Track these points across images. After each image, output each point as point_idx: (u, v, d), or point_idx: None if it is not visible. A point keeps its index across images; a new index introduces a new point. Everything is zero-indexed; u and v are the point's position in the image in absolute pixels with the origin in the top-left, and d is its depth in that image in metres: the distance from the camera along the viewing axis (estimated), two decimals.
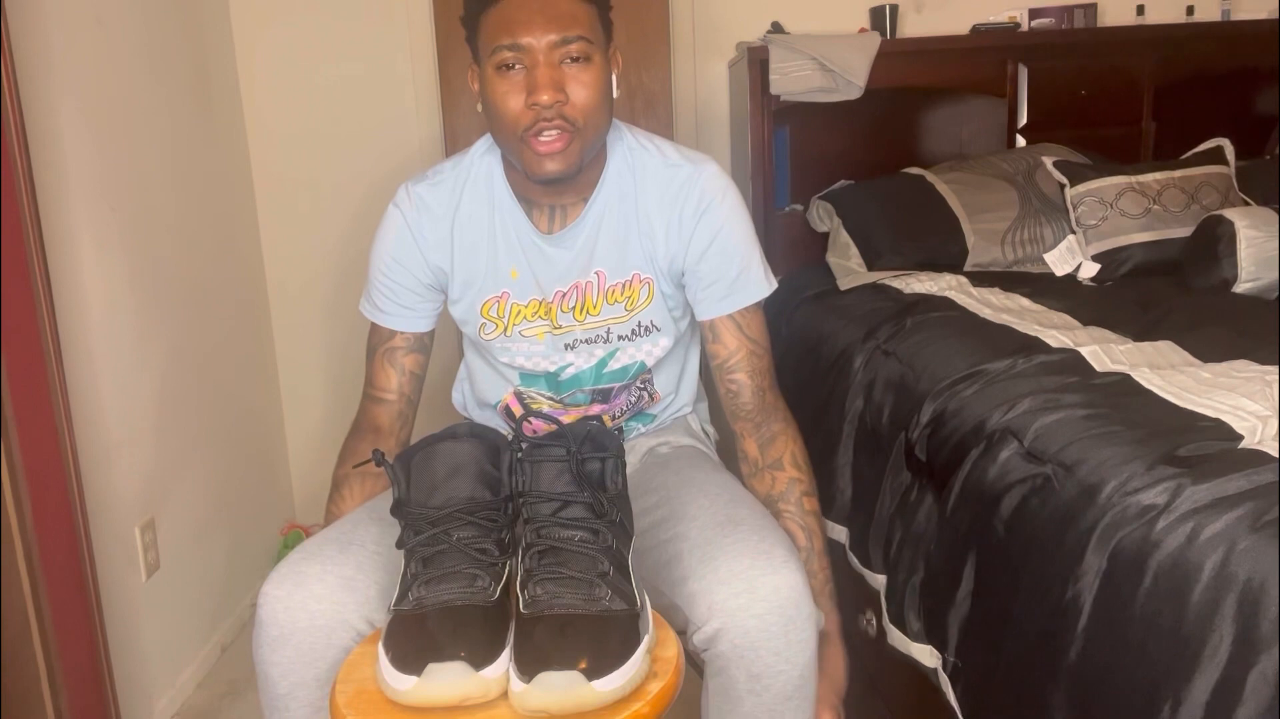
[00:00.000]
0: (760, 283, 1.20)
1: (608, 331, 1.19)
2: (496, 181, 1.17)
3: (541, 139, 1.04)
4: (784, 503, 1.16)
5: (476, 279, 1.18)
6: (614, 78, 1.11)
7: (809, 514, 1.16)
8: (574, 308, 1.18)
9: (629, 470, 1.22)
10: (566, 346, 1.20)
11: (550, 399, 1.25)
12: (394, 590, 0.96)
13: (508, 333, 1.20)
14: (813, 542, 1.15)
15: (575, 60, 1.04)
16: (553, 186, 1.12)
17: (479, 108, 1.12)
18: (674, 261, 1.17)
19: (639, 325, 1.20)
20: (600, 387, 1.23)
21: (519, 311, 1.19)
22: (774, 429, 1.20)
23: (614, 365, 1.22)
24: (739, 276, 1.17)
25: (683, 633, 1.00)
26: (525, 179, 1.12)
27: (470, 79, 1.14)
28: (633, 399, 1.26)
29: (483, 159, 1.19)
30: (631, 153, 1.17)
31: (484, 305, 1.19)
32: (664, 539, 1.06)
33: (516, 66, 1.04)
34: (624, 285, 1.18)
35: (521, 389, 1.25)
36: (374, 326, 1.23)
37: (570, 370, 1.21)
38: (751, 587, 0.93)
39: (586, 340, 1.20)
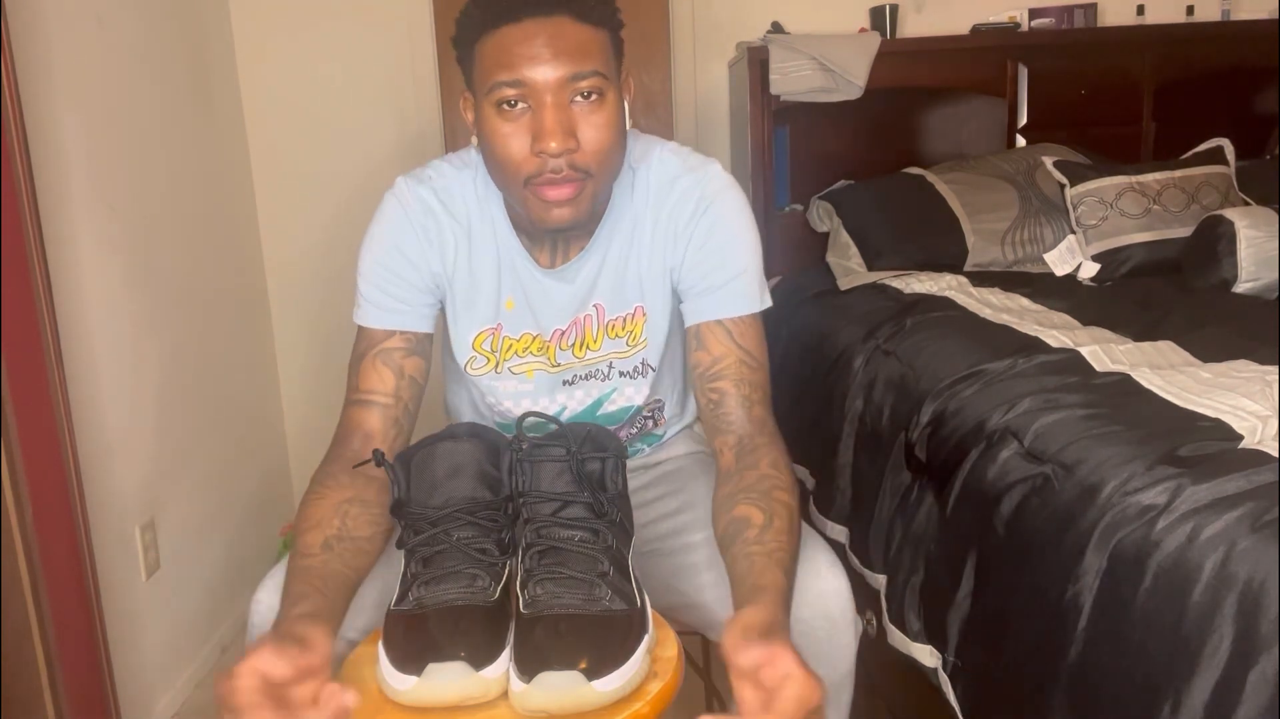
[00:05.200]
0: (755, 295, 1.07)
1: (609, 366, 1.11)
2: (495, 207, 1.08)
3: (550, 187, 0.94)
4: (747, 492, 0.95)
5: (476, 304, 1.09)
6: (627, 105, 0.99)
7: (776, 502, 0.93)
8: (574, 344, 1.10)
9: (643, 480, 1.20)
10: (565, 383, 1.12)
11: None
12: (384, 592, 0.95)
13: (498, 370, 1.11)
14: (772, 520, 0.91)
15: (587, 98, 0.93)
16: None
17: (474, 142, 1.01)
18: (673, 271, 1.08)
19: (642, 363, 1.11)
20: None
21: (510, 346, 1.10)
22: (757, 442, 1.01)
23: (609, 408, 1.14)
24: (735, 279, 1.05)
25: (687, 631, 1.00)
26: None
27: (463, 108, 1.02)
28: (635, 430, 1.19)
29: (484, 177, 1.07)
30: (636, 175, 1.08)
31: (477, 338, 1.10)
32: (691, 543, 1.05)
33: (519, 105, 0.93)
34: (625, 319, 1.10)
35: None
36: (361, 332, 1.07)
37: (565, 415, 1.13)
38: (798, 589, 0.90)
39: (586, 376, 1.11)
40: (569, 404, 1.13)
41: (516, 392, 1.13)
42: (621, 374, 1.12)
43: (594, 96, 0.94)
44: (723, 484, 0.99)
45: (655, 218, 1.07)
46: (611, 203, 1.07)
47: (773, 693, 0.70)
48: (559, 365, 1.11)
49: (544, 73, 0.91)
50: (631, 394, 1.13)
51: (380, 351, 1.05)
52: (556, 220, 0.97)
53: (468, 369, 1.12)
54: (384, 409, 1.03)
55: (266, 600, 0.95)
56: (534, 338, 1.10)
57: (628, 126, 1.01)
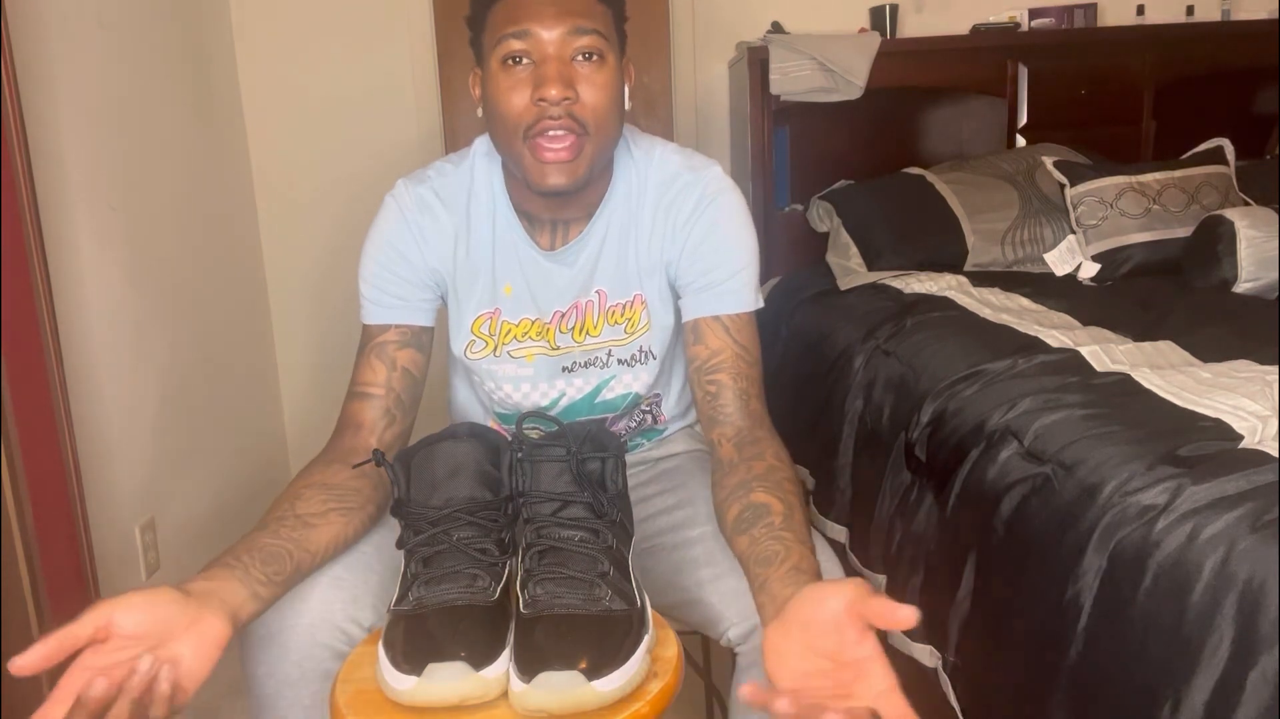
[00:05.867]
0: (751, 295, 1.10)
1: (608, 354, 1.12)
2: (496, 191, 1.11)
3: (547, 142, 0.97)
4: (761, 480, 0.96)
5: (474, 291, 1.12)
6: (626, 89, 1.03)
7: (790, 494, 0.95)
8: (573, 328, 1.12)
9: (642, 478, 1.20)
10: (564, 369, 1.13)
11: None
12: (382, 590, 0.95)
13: (497, 353, 1.13)
14: (793, 511, 0.92)
15: (588, 58, 0.97)
16: (556, 200, 1.04)
17: (479, 113, 1.04)
18: (670, 266, 1.10)
19: (640, 350, 1.13)
20: (594, 418, 1.16)
21: (509, 330, 1.12)
22: (757, 434, 1.03)
23: (607, 395, 1.14)
24: (733, 277, 1.07)
25: (687, 631, 1.00)
26: (527, 191, 1.04)
27: (472, 84, 1.06)
28: (633, 424, 1.20)
29: (485, 164, 1.11)
30: (637, 165, 1.11)
31: (475, 322, 1.12)
32: (690, 538, 1.05)
33: (524, 61, 0.97)
34: (625, 306, 1.12)
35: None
36: (363, 331, 1.11)
37: (564, 402, 1.14)
38: None
39: (585, 363, 1.13)
40: (568, 391, 1.14)
41: (516, 376, 1.14)
42: (620, 362, 1.13)
43: (595, 57, 0.97)
44: (729, 473, 1.00)
45: (655, 210, 1.10)
46: (612, 188, 1.10)
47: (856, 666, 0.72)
48: (559, 349, 1.12)
49: (548, 26, 0.96)
50: (630, 381, 1.15)
51: (375, 346, 1.09)
52: (554, 183, 0.99)
53: (466, 354, 1.13)
54: (375, 401, 1.06)
55: None
56: (533, 322, 1.12)
57: (627, 105, 1.03)
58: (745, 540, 0.90)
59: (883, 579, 1.48)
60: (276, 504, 0.95)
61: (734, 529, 0.93)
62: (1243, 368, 1.26)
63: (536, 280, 1.11)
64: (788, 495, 0.94)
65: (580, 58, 0.97)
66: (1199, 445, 1.03)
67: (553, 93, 0.95)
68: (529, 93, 0.96)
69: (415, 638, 0.79)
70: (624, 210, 1.10)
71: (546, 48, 0.96)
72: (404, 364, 1.08)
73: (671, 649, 0.86)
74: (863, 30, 2.51)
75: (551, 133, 0.97)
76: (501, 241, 1.11)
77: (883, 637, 0.74)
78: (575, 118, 0.97)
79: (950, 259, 2.19)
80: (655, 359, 1.14)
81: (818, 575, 0.83)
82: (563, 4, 0.96)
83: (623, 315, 1.12)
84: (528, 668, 0.76)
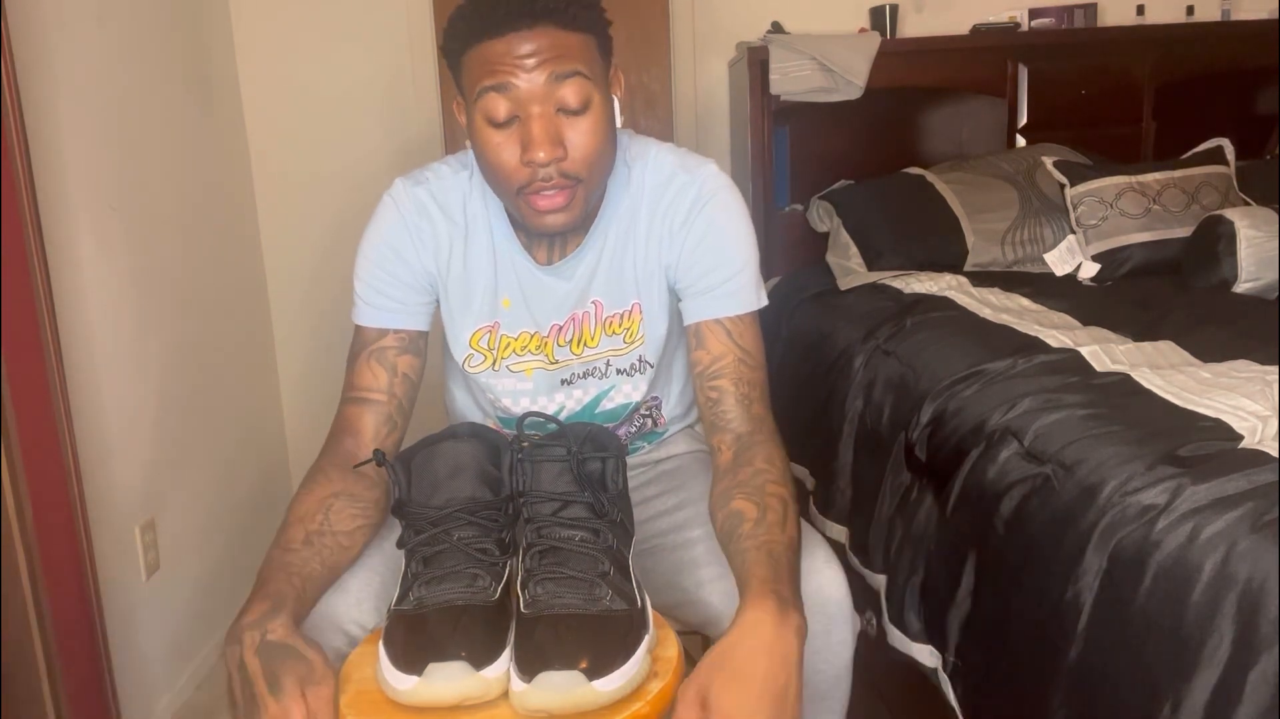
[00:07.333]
0: (752, 294, 1.09)
1: (606, 364, 1.12)
2: (493, 206, 1.10)
3: (542, 196, 0.97)
4: (742, 487, 0.97)
5: (472, 303, 1.11)
6: (617, 105, 1.01)
7: (769, 495, 0.95)
8: (571, 340, 1.11)
9: (643, 479, 1.20)
10: (564, 382, 1.13)
11: None
12: (384, 590, 0.96)
13: (495, 367, 1.12)
14: (765, 513, 0.93)
15: (574, 112, 0.95)
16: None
17: (467, 144, 1.04)
18: (669, 269, 1.09)
19: (639, 360, 1.12)
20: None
21: (508, 344, 1.11)
22: (755, 439, 1.03)
23: (607, 405, 1.14)
24: (733, 278, 1.06)
25: (687, 631, 1.00)
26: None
27: (456, 110, 1.04)
28: (634, 428, 1.20)
29: (481, 178, 1.09)
30: (632, 173, 1.09)
31: (474, 335, 1.12)
32: (691, 538, 1.05)
33: (508, 119, 0.95)
34: (623, 316, 1.11)
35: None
36: (357, 331, 1.10)
37: (563, 414, 1.14)
38: None
39: (584, 374, 1.12)
40: (567, 403, 1.14)
41: (515, 390, 1.13)
42: (619, 371, 1.13)
43: (580, 109, 0.95)
44: (719, 480, 1.01)
45: (650, 215, 1.09)
46: (607, 199, 1.09)
47: None
48: (557, 362, 1.12)
49: (528, 77, 0.93)
50: (629, 391, 1.14)
51: (374, 350, 1.08)
52: (551, 226, 1.00)
53: (465, 366, 1.13)
54: (377, 406, 1.06)
55: None
56: (532, 336, 1.11)
57: (619, 123, 1.02)
58: (728, 554, 0.94)
59: (883, 579, 1.48)
60: (307, 512, 0.96)
61: (720, 541, 0.96)
62: (1243, 368, 1.26)
63: (534, 294, 1.10)
64: (764, 498, 0.94)
65: (566, 111, 0.95)
66: (1199, 445, 1.03)
67: (541, 155, 0.94)
68: (517, 152, 0.95)
69: (416, 638, 0.79)
70: (620, 220, 1.09)
71: (530, 104, 0.94)
72: (404, 370, 1.08)
73: (672, 649, 0.86)
74: (863, 30, 2.51)
75: (544, 191, 0.97)
76: (500, 255, 1.10)
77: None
78: (567, 174, 0.96)
79: (950, 259, 2.19)
80: (652, 368, 1.14)
81: (763, 581, 0.84)
82: (542, 54, 0.93)
83: (620, 325, 1.11)
84: (528, 668, 0.76)
